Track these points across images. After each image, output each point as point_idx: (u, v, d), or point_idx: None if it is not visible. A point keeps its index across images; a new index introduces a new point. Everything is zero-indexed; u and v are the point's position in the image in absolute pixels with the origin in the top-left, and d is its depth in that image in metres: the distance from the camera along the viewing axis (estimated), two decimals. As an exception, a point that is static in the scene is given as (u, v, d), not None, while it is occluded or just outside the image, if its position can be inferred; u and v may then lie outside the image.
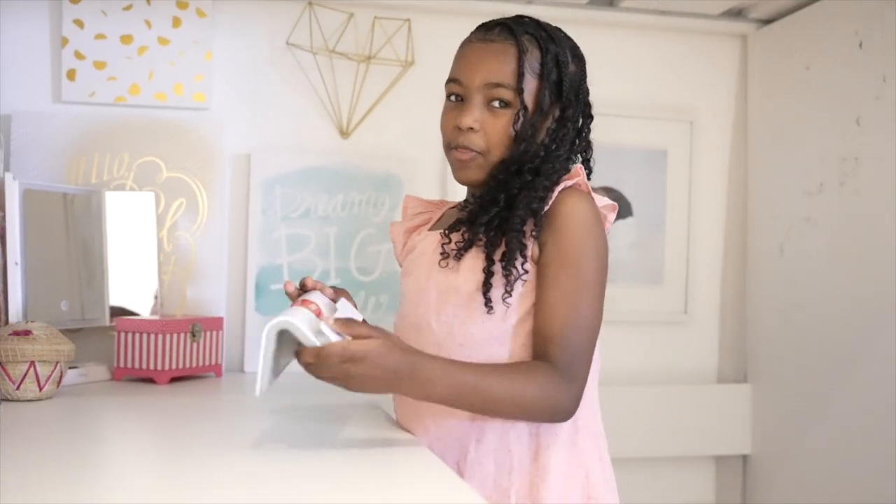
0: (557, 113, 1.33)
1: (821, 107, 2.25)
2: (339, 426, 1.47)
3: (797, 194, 2.33)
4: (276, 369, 1.16)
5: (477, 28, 1.38)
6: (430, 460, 1.20)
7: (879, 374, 2.06)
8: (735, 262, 2.58)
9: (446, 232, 1.34)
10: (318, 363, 1.10)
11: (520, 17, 1.36)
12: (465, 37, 2.32)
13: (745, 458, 2.54)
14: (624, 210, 2.50)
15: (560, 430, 1.28)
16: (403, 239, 1.48)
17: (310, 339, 1.10)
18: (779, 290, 2.40)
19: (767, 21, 2.50)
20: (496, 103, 1.29)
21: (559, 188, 1.26)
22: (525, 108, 1.29)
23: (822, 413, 2.25)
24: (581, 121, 1.37)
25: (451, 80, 1.35)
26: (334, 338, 1.11)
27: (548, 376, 1.21)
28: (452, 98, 1.35)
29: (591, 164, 1.39)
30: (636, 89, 2.50)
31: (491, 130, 1.29)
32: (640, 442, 2.45)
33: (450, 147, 1.34)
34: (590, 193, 1.29)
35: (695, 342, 2.57)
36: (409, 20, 2.32)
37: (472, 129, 1.29)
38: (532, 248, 1.26)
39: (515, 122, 1.29)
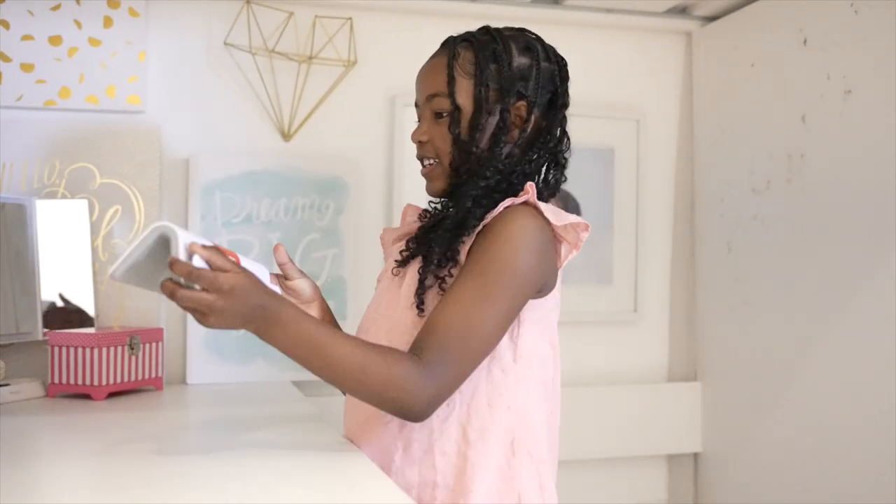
0: (499, 108, 1.31)
1: (766, 104, 2.25)
2: (282, 435, 1.47)
3: (744, 192, 2.33)
4: (145, 276, 1.14)
5: None
6: (368, 468, 1.22)
7: (829, 369, 2.06)
8: (683, 261, 2.58)
9: (406, 242, 1.38)
10: (187, 281, 1.07)
11: (478, 30, 1.37)
12: (407, 35, 2.31)
13: (696, 455, 2.54)
14: (573, 209, 2.47)
15: (491, 451, 1.26)
16: (389, 246, 1.46)
17: (180, 251, 1.07)
18: (727, 288, 2.40)
19: (712, 18, 2.49)
20: (438, 113, 1.33)
21: (504, 205, 1.25)
22: (457, 108, 1.31)
23: (771, 410, 2.25)
24: (545, 114, 1.35)
25: (415, 105, 1.40)
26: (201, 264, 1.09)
27: (406, 366, 1.17)
28: (418, 122, 1.39)
29: (563, 157, 1.38)
30: (582, 88, 2.43)
31: (436, 138, 1.33)
32: (593, 442, 2.44)
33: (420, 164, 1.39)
34: (537, 210, 1.25)
35: (645, 341, 2.56)
36: (350, 19, 2.26)
37: (421, 141, 1.35)
38: (462, 256, 1.27)
39: (451, 124, 1.31)
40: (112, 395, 1.85)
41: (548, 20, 2.41)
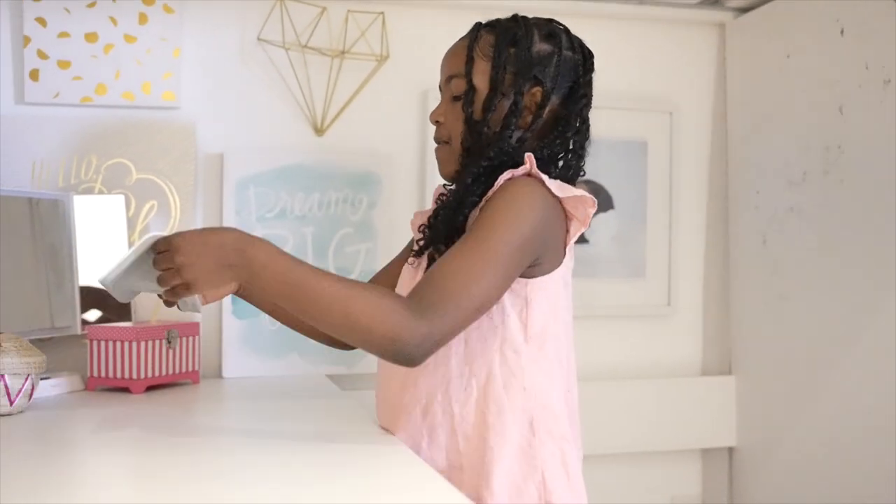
0: (514, 91, 1.32)
1: (802, 95, 2.23)
2: (319, 427, 1.49)
3: (780, 184, 2.30)
4: (129, 286, 1.23)
5: None
6: (406, 455, 1.22)
7: (865, 363, 2.04)
8: (717, 254, 2.56)
9: (421, 229, 1.40)
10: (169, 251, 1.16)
11: (510, 16, 1.38)
12: (439, 30, 2.30)
13: (730, 450, 2.53)
14: (605, 203, 2.46)
15: (510, 432, 1.26)
16: (416, 232, 1.47)
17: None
18: (763, 281, 2.38)
19: (745, 9, 2.47)
20: (456, 94, 1.34)
21: (504, 177, 1.26)
22: (472, 88, 1.32)
23: (807, 404, 2.23)
24: (565, 103, 1.34)
25: (439, 88, 1.41)
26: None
27: (396, 303, 1.14)
28: None
29: (582, 149, 1.37)
30: (615, 80, 2.46)
31: (451, 119, 1.35)
32: (626, 437, 2.43)
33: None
34: (539, 181, 1.25)
35: (678, 335, 2.55)
36: (382, 13, 2.26)
37: (438, 122, 1.37)
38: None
39: (464, 104, 1.32)
40: (150, 388, 1.86)
41: (580, 12, 2.40)
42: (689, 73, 2.54)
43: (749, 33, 2.44)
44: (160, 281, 1.17)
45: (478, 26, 1.37)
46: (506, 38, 1.32)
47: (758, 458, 2.42)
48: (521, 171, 1.26)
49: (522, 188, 1.24)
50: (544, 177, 1.25)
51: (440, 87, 1.40)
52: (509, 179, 1.26)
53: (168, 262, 1.15)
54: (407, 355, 1.14)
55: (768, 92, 2.36)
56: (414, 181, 2.32)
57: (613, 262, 2.47)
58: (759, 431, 2.42)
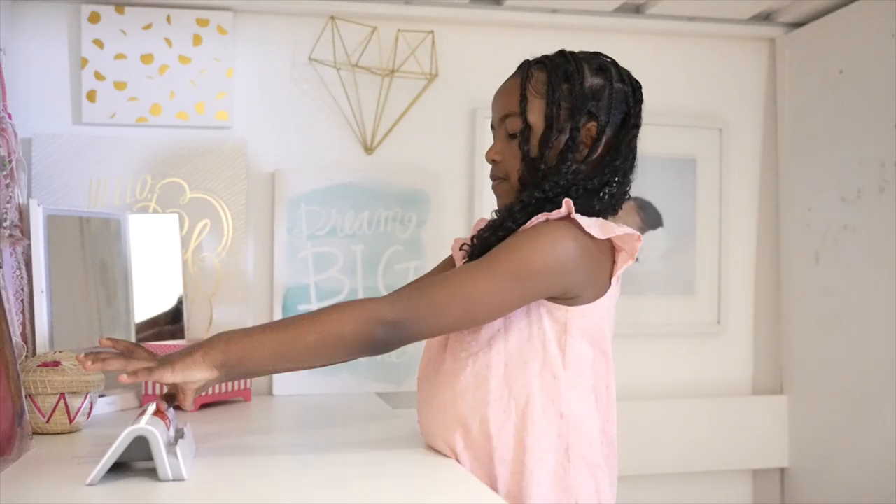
0: (570, 126, 1.33)
1: (856, 111, 2.20)
2: (371, 444, 1.51)
3: (833, 201, 2.27)
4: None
5: None
6: (457, 472, 1.25)
7: (926, 385, 2.00)
8: (768, 271, 2.53)
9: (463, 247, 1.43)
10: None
11: (557, 52, 1.40)
12: (488, 48, 2.31)
13: (782, 471, 2.49)
14: (654, 220, 2.45)
15: (547, 458, 1.27)
16: (460, 257, 1.48)
17: (163, 456, 1.16)
18: (815, 299, 2.35)
19: (797, 24, 2.45)
20: (512, 133, 1.35)
21: (538, 219, 1.28)
22: (528, 126, 1.33)
23: (860, 424, 2.19)
24: (617, 133, 1.35)
25: (491, 127, 1.44)
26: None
27: (357, 302, 1.24)
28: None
29: (626, 177, 1.37)
30: (664, 97, 2.45)
31: (508, 157, 1.36)
32: (676, 456, 2.40)
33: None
34: (577, 224, 1.26)
35: (729, 353, 2.52)
36: (432, 32, 2.27)
37: (494, 160, 1.39)
38: None
39: (521, 142, 1.34)
40: (203, 406, 1.88)
41: (629, 29, 2.40)
42: (739, 89, 2.52)
43: (800, 48, 2.42)
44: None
45: (527, 64, 1.39)
46: (558, 74, 1.33)
47: (810, 479, 2.39)
48: (556, 214, 1.27)
49: (550, 228, 1.26)
50: (584, 220, 1.26)
51: (492, 125, 1.41)
52: (543, 221, 1.28)
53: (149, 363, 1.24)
54: (377, 341, 1.21)
55: (820, 108, 2.34)
56: (463, 199, 2.33)
57: (663, 279, 2.45)
58: (812, 452, 2.38)
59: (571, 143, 1.32)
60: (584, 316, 1.29)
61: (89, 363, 1.21)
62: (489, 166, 1.41)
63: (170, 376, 1.20)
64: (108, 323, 1.98)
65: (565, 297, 1.28)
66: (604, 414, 1.34)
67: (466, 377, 1.30)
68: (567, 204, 1.27)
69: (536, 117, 1.33)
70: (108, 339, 1.29)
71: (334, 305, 1.24)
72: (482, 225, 1.49)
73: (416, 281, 1.43)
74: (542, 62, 1.37)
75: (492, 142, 1.41)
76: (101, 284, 1.99)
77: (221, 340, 1.23)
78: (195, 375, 1.21)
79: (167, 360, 1.21)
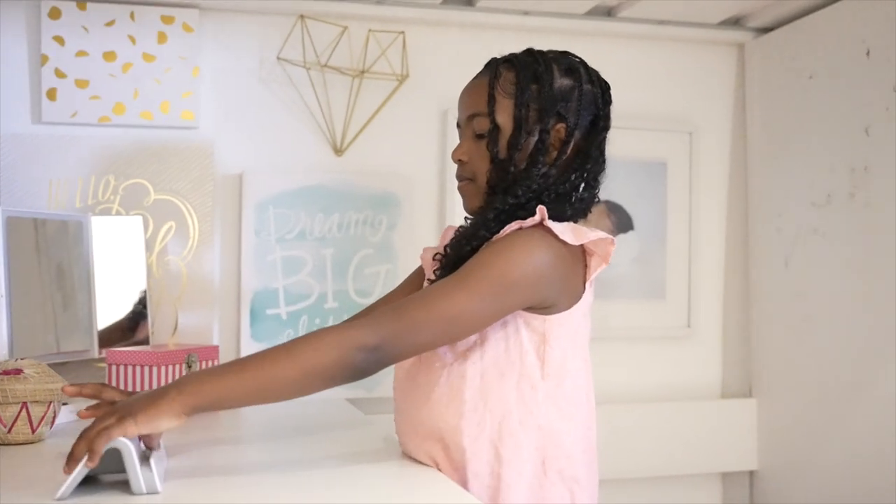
0: (539, 128, 1.30)
1: (827, 116, 2.21)
2: (345, 450, 1.48)
3: (803, 205, 2.28)
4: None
5: None
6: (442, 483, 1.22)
7: (889, 387, 2.01)
8: (737, 275, 2.54)
9: (436, 257, 1.39)
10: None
11: (521, 52, 1.36)
12: (459, 49, 2.29)
13: (751, 473, 2.50)
14: (625, 224, 2.44)
15: (524, 470, 1.25)
16: (429, 266, 1.46)
17: (136, 468, 1.11)
18: (785, 303, 2.36)
19: (766, 29, 2.46)
20: (479, 133, 1.32)
21: (512, 227, 1.25)
22: (496, 127, 1.30)
23: (830, 427, 2.20)
24: (586, 136, 1.33)
25: (457, 126, 1.40)
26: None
27: (332, 330, 1.20)
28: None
29: (596, 179, 1.35)
30: (634, 100, 2.44)
31: (475, 158, 1.32)
32: (645, 460, 2.40)
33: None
34: (550, 232, 1.23)
35: (699, 357, 2.53)
36: (403, 33, 2.24)
37: (460, 160, 1.35)
38: None
39: (489, 143, 1.30)
40: (170, 414, 1.82)
41: (601, 32, 2.39)
42: (709, 94, 2.53)
43: (769, 53, 2.43)
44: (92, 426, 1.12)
45: (495, 62, 1.35)
46: (527, 74, 1.30)
47: (779, 481, 2.40)
48: (529, 222, 1.25)
49: (524, 237, 1.23)
50: (557, 227, 1.23)
51: (458, 124, 1.38)
52: (517, 230, 1.25)
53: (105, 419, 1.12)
54: (357, 368, 1.17)
55: (790, 113, 2.35)
56: (434, 202, 2.30)
57: (633, 283, 2.45)
58: (781, 455, 2.39)
59: (541, 145, 1.29)
60: (561, 324, 1.26)
61: (66, 467, 1.11)
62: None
63: (133, 429, 1.10)
64: (70, 328, 1.92)
65: (542, 307, 1.25)
66: (584, 422, 1.32)
67: (441, 388, 1.27)
68: (541, 211, 1.24)
69: (505, 118, 1.30)
70: (72, 385, 1.22)
71: (309, 335, 1.19)
72: (451, 233, 1.46)
73: (387, 299, 1.43)
74: (510, 61, 1.33)
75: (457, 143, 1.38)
76: (63, 289, 1.92)
77: (190, 383, 1.14)
78: (162, 425, 1.13)
79: (128, 411, 1.12)
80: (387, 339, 1.17)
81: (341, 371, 1.16)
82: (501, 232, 1.26)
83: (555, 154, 1.31)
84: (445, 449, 1.27)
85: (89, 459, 1.08)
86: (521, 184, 1.29)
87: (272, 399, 1.17)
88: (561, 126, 1.30)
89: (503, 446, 1.25)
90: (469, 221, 1.35)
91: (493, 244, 1.25)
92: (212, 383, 1.15)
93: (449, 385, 1.26)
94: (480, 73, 1.36)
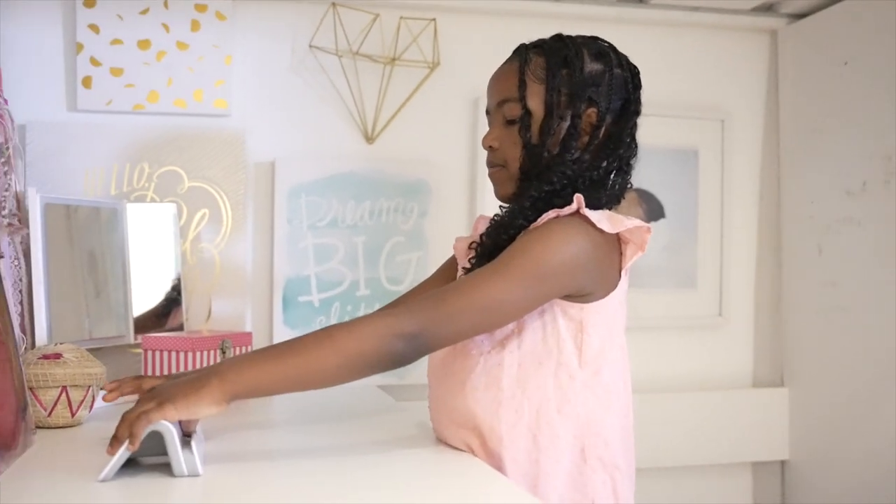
0: (571, 113, 1.30)
1: (862, 103, 2.19)
2: (379, 437, 1.48)
3: (837, 193, 2.26)
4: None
5: None
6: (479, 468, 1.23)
7: (931, 377, 2.00)
8: (770, 264, 2.52)
9: (472, 246, 1.39)
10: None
11: (553, 36, 1.36)
12: (490, 36, 2.29)
13: (783, 463, 2.48)
14: (656, 212, 2.43)
15: (562, 458, 1.25)
16: (462, 256, 1.46)
17: (178, 451, 1.12)
18: (817, 291, 2.34)
19: (799, 16, 2.43)
20: (510, 119, 1.32)
21: (549, 216, 1.25)
22: (528, 112, 1.30)
23: (862, 417, 2.19)
24: (617, 120, 1.33)
25: (486, 112, 1.39)
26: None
27: (373, 317, 1.20)
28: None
29: (628, 164, 1.35)
30: (666, 88, 2.43)
31: (506, 144, 1.32)
32: (676, 449, 2.39)
33: (488, 169, 1.38)
34: (587, 220, 1.23)
35: (730, 346, 2.51)
36: (434, 20, 2.24)
37: (491, 147, 1.34)
38: None
39: (521, 129, 1.30)
40: (205, 399, 1.84)
41: (632, 19, 2.38)
42: (741, 81, 2.51)
43: (803, 40, 2.40)
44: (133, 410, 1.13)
45: (524, 48, 1.34)
46: (557, 59, 1.30)
47: (810, 471, 2.38)
48: (566, 210, 1.24)
49: (561, 225, 1.23)
50: (593, 215, 1.23)
51: (488, 111, 1.37)
52: (554, 218, 1.24)
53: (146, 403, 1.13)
54: (398, 355, 1.17)
55: (824, 99, 2.32)
56: (465, 189, 2.30)
57: (664, 271, 2.44)
58: (812, 445, 2.38)
59: (573, 130, 1.29)
60: (598, 312, 1.26)
61: (110, 448, 1.13)
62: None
63: (173, 414, 1.11)
64: (104, 314, 1.94)
65: (579, 295, 1.25)
66: (622, 409, 1.32)
67: (477, 376, 1.27)
68: (578, 200, 1.24)
69: (536, 103, 1.29)
70: (111, 392, 1.25)
71: (349, 323, 1.19)
72: (483, 223, 1.46)
73: (419, 289, 1.47)
74: (540, 46, 1.33)
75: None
76: (98, 275, 1.94)
77: (231, 370, 1.15)
78: (201, 412, 1.13)
79: (168, 396, 1.12)
80: (426, 327, 1.17)
81: (382, 358, 1.16)
82: (538, 220, 1.26)
83: (586, 139, 1.31)
84: (481, 436, 1.27)
85: (130, 443, 1.09)
86: (554, 170, 1.28)
87: (312, 386, 1.17)
88: (592, 111, 1.30)
89: (541, 434, 1.25)
90: (505, 209, 1.35)
91: (531, 232, 1.25)
92: (252, 371, 1.15)
93: (486, 373, 1.26)
94: (509, 58, 1.35)
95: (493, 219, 1.38)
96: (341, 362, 1.16)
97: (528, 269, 1.20)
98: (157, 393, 1.15)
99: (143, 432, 1.09)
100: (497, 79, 1.35)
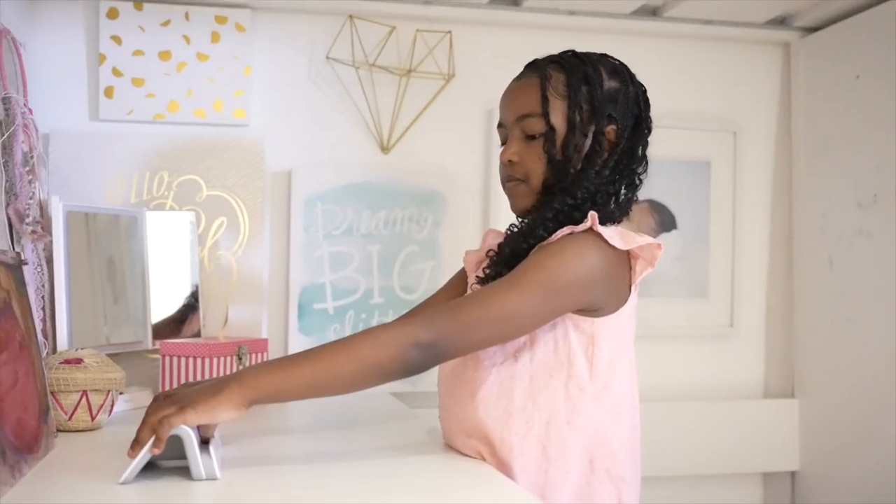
0: (593, 129, 1.33)
1: (873, 116, 2.20)
2: (392, 443, 1.51)
3: (848, 205, 2.28)
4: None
5: None
6: (490, 475, 1.25)
7: (941, 390, 2.01)
8: (781, 275, 2.54)
9: (489, 254, 1.40)
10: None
11: (563, 53, 1.38)
12: (505, 49, 2.31)
13: (793, 474, 2.49)
14: (668, 222, 2.45)
15: (571, 469, 1.27)
16: (472, 269, 1.49)
17: (197, 455, 1.15)
18: (829, 303, 2.35)
19: (812, 29, 2.45)
20: (530, 134, 1.33)
21: (563, 232, 1.27)
22: (552, 128, 1.31)
23: (872, 428, 2.20)
24: (631, 136, 1.35)
25: (498, 127, 1.41)
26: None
27: (389, 326, 1.22)
28: (502, 145, 1.39)
29: (639, 179, 1.38)
30: (679, 99, 2.45)
31: (527, 159, 1.33)
32: (686, 459, 2.40)
33: (503, 183, 1.39)
34: (600, 236, 1.25)
35: (741, 356, 2.52)
36: (450, 32, 2.27)
37: (511, 161, 1.35)
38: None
39: (545, 144, 1.32)
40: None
41: (646, 32, 2.40)
42: (754, 93, 2.53)
43: (815, 53, 2.42)
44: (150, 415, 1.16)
45: (541, 63, 1.36)
46: (577, 76, 1.32)
47: (821, 482, 2.39)
48: (580, 227, 1.27)
49: (576, 241, 1.25)
50: (606, 232, 1.26)
51: (501, 125, 1.38)
52: (568, 234, 1.27)
53: (164, 406, 1.17)
54: (413, 364, 1.20)
55: (836, 112, 2.34)
56: (479, 200, 2.33)
57: (676, 281, 2.46)
58: (823, 455, 2.39)
59: (597, 146, 1.32)
60: (609, 326, 1.29)
61: (130, 451, 1.15)
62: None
63: (193, 418, 1.14)
64: (125, 320, 1.97)
65: (591, 309, 1.28)
66: (630, 421, 1.34)
67: (489, 387, 1.29)
68: (592, 217, 1.26)
69: (558, 119, 1.31)
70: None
71: (365, 332, 1.22)
72: (492, 236, 1.49)
73: (430, 301, 1.53)
74: (558, 62, 1.34)
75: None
76: (118, 281, 1.98)
77: (250, 376, 1.18)
78: (221, 416, 1.16)
79: (189, 401, 1.15)
80: (442, 337, 1.20)
81: (397, 367, 1.19)
82: (552, 236, 1.29)
83: (606, 155, 1.33)
84: (491, 446, 1.30)
85: (155, 446, 1.12)
86: (578, 185, 1.31)
87: (328, 392, 1.20)
88: (612, 128, 1.33)
89: (550, 445, 1.27)
90: (527, 220, 1.36)
91: (545, 248, 1.27)
92: (270, 376, 1.18)
93: (498, 385, 1.29)
94: (525, 74, 1.37)
95: (508, 230, 1.41)
96: (357, 369, 1.19)
97: (544, 282, 1.22)
98: (177, 398, 1.18)
99: (167, 435, 1.13)
100: (515, 94, 1.36)
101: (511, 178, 1.36)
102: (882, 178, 2.17)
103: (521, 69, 1.40)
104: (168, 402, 1.18)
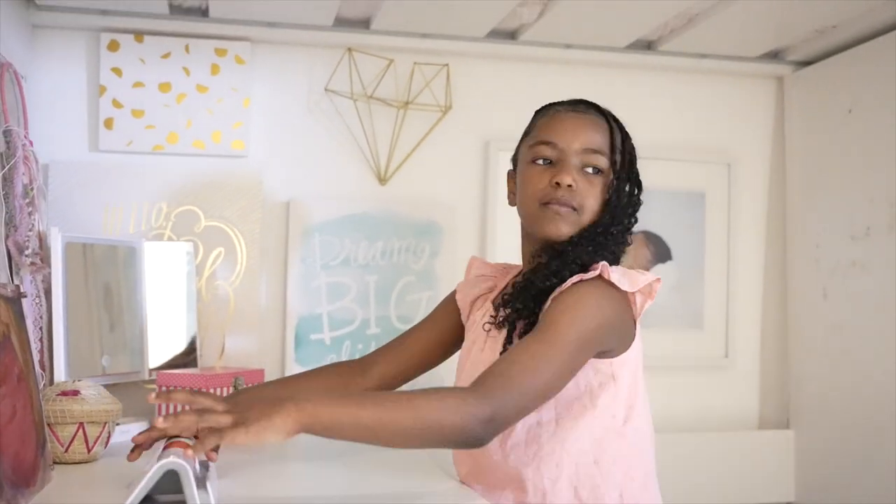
0: (617, 185, 1.38)
1: (866, 149, 2.23)
2: (397, 480, 1.47)
3: (842, 238, 2.30)
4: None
5: (558, 102, 1.43)
6: None
7: (935, 423, 2.01)
8: (775, 306, 2.55)
9: (497, 303, 1.41)
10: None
11: (585, 102, 1.43)
12: (501, 81, 2.33)
13: (789, 505, 2.50)
14: (663, 253, 2.47)
15: None
16: (468, 309, 1.51)
17: (194, 491, 1.10)
18: (823, 334, 2.36)
19: (805, 63, 2.48)
20: (590, 169, 1.36)
21: (574, 279, 1.29)
22: (617, 177, 1.36)
23: (867, 460, 2.20)
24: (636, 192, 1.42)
25: (542, 144, 1.39)
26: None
27: (458, 396, 1.17)
28: (541, 162, 1.38)
29: (636, 219, 1.42)
30: (674, 132, 2.47)
31: (585, 192, 1.35)
32: (682, 490, 2.39)
33: (543, 202, 1.37)
34: (608, 281, 1.28)
35: (736, 387, 2.53)
36: (447, 65, 2.30)
37: (570, 186, 1.34)
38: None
39: (607, 189, 1.36)
40: (217, 435, 1.87)
41: (641, 65, 2.43)
42: (748, 126, 2.55)
43: (809, 87, 2.45)
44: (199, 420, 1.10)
45: (601, 110, 1.41)
46: (621, 127, 1.40)
47: (817, 514, 2.39)
48: (590, 275, 1.29)
49: (591, 290, 1.28)
50: (614, 276, 1.29)
51: (563, 150, 1.36)
52: (578, 282, 1.29)
53: (220, 417, 1.09)
54: (475, 438, 1.16)
55: (829, 146, 2.36)
56: (476, 230, 2.34)
57: (671, 312, 2.47)
58: (818, 487, 2.39)
59: (638, 198, 1.38)
60: (624, 363, 1.32)
61: (161, 420, 1.10)
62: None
63: (243, 438, 1.06)
64: (122, 350, 1.98)
65: (606, 351, 1.31)
66: (649, 450, 1.38)
67: (518, 434, 1.31)
68: (604, 269, 1.29)
69: (617, 168, 1.37)
70: (158, 394, 1.18)
71: (429, 392, 1.18)
72: (476, 264, 1.54)
73: (413, 332, 1.55)
74: (604, 113, 1.41)
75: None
76: (115, 311, 1.99)
77: (310, 402, 1.10)
78: (269, 439, 1.08)
79: (241, 420, 1.07)
80: (499, 410, 1.17)
81: (459, 435, 1.15)
82: (563, 286, 1.30)
83: (626, 206, 1.38)
84: (524, 491, 1.30)
85: (194, 450, 1.06)
86: (620, 228, 1.36)
87: (382, 442, 1.14)
88: (631, 184, 1.39)
89: (581, 486, 1.30)
90: (553, 255, 1.36)
91: (563, 299, 1.28)
92: (330, 407, 1.11)
93: (526, 431, 1.31)
94: (588, 111, 1.40)
95: (533, 260, 1.41)
96: (420, 427, 1.13)
97: (576, 337, 1.23)
98: (235, 409, 1.10)
99: (211, 445, 1.07)
100: (584, 125, 1.38)
101: (566, 203, 1.35)
102: (875, 210, 2.19)
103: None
104: (227, 407, 1.11)
